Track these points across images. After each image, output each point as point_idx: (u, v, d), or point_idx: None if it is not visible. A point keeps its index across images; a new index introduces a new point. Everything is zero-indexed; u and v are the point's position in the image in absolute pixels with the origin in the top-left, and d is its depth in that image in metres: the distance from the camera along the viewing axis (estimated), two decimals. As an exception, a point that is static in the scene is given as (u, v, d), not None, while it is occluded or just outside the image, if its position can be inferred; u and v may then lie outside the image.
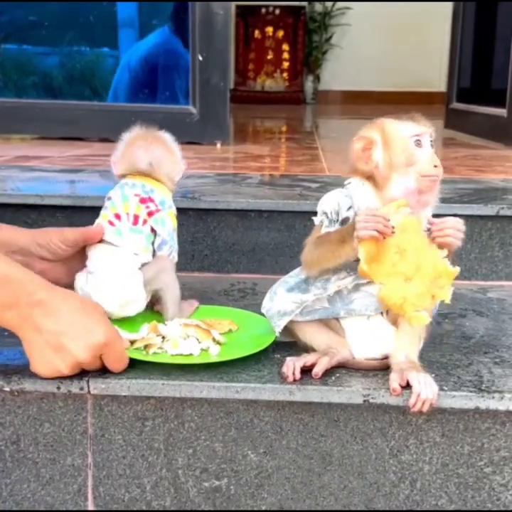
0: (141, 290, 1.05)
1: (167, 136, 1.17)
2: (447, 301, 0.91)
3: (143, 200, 1.09)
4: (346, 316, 0.97)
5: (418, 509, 0.96)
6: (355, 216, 0.93)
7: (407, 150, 0.93)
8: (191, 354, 0.98)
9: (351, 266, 0.93)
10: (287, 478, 0.97)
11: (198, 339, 1.01)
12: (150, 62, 2.65)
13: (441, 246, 0.92)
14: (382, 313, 0.98)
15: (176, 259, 1.12)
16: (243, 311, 1.15)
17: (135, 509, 0.97)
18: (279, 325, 1.00)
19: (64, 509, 0.98)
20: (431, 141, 0.94)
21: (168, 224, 1.10)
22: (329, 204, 0.94)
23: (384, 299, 0.90)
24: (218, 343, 1.02)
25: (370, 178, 0.94)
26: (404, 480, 0.96)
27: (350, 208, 0.94)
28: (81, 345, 0.90)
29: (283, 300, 0.99)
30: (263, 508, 0.97)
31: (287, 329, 1.01)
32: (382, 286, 0.89)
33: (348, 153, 0.96)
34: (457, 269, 0.90)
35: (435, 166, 0.92)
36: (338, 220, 0.94)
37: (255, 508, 0.97)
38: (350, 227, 0.90)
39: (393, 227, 0.88)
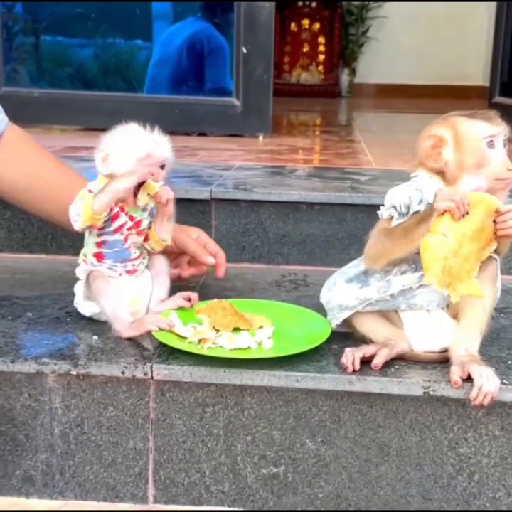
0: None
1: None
2: (477, 293, 0.92)
3: None
4: (407, 309, 0.98)
5: (475, 501, 0.96)
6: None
7: (479, 152, 0.91)
8: (249, 347, 0.99)
9: (414, 259, 0.94)
10: (344, 468, 0.98)
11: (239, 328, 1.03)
12: (189, 51, 2.66)
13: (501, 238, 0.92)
14: (443, 307, 0.98)
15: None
16: (293, 306, 1.15)
17: (194, 493, 0.99)
18: (338, 318, 1.01)
19: (125, 491, 1.00)
20: (504, 141, 0.93)
21: None
22: (400, 197, 0.94)
23: (428, 242, 0.90)
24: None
25: (439, 172, 0.94)
26: (462, 472, 0.96)
27: (420, 201, 0.94)
28: None
29: (344, 293, 1.00)
30: (320, 496, 0.98)
31: (344, 320, 1.02)
32: (437, 234, 0.90)
33: (415, 147, 0.95)
34: (481, 295, 0.93)
35: (509, 169, 0.91)
36: (407, 214, 0.94)
37: (312, 496, 0.98)
38: (430, 209, 0.91)
39: (467, 211, 0.88)
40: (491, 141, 0.91)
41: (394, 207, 0.94)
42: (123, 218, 1.05)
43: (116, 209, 1.04)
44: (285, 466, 0.98)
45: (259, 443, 0.98)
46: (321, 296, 1.04)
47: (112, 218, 1.04)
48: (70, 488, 1.01)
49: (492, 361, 0.98)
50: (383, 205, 0.97)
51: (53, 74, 2.80)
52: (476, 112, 0.93)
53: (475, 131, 0.92)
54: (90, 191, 1.03)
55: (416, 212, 0.94)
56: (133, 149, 1.01)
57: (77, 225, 1.03)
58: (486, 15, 5.08)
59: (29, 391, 0.98)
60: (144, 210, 1.06)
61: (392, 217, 0.95)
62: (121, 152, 1.02)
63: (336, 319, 1.02)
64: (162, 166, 1.04)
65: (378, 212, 0.97)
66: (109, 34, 2.81)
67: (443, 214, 0.89)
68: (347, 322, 1.03)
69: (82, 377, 0.97)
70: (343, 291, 1.00)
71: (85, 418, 0.99)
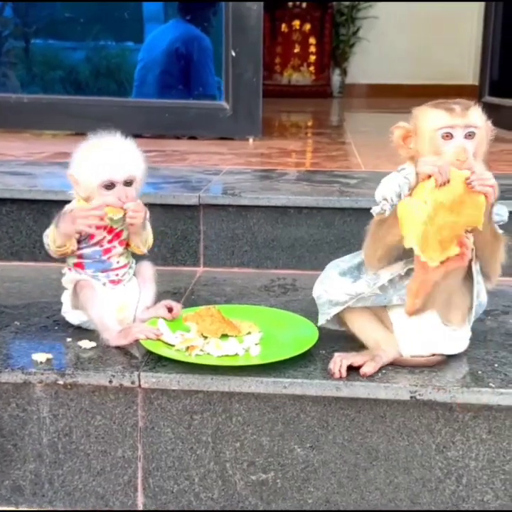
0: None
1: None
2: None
3: None
4: (399, 303, 0.97)
5: (463, 504, 0.97)
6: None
7: (433, 142, 0.91)
8: (236, 354, 1.00)
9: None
10: (333, 473, 0.98)
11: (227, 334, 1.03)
12: (177, 54, 2.65)
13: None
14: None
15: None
16: (281, 311, 1.15)
17: (184, 500, 0.99)
18: (329, 313, 1.01)
19: (114, 500, 1.00)
20: (469, 132, 0.91)
21: None
22: (390, 187, 0.94)
23: (409, 206, 0.89)
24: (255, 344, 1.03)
25: None
26: (450, 476, 0.96)
27: (409, 188, 0.93)
28: None
29: (335, 288, 0.99)
30: (310, 501, 0.98)
31: (335, 317, 1.02)
32: (418, 199, 0.89)
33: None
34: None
35: (459, 160, 0.89)
36: None
37: (302, 502, 0.99)
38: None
39: (448, 180, 0.87)
40: (448, 132, 0.91)
41: (385, 199, 0.93)
42: (101, 234, 1.06)
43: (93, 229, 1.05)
44: (274, 472, 0.99)
45: (248, 449, 0.98)
46: (313, 290, 1.03)
47: (90, 236, 1.05)
48: (59, 498, 1.01)
49: (479, 364, 0.99)
50: (372, 207, 0.97)
51: (43, 78, 2.79)
52: (445, 102, 0.92)
53: (431, 121, 0.92)
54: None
55: None
56: (94, 177, 1.02)
57: (52, 254, 1.07)
58: (475, 14, 5.09)
59: (17, 401, 0.98)
60: (125, 220, 1.06)
61: (384, 212, 0.94)
62: (85, 178, 1.03)
63: (326, 315, 1.02)
64: (129, 183, 1.03)
65: (371, 210, 0.96)
66: (99, 37, 2.80)
67: (425, 179, 0.89)
68: (338, 320, 1.02)
69: (69, 387, 0.97)
70: (335, 286, 0.99)
71: (73, 427, 0.99)
